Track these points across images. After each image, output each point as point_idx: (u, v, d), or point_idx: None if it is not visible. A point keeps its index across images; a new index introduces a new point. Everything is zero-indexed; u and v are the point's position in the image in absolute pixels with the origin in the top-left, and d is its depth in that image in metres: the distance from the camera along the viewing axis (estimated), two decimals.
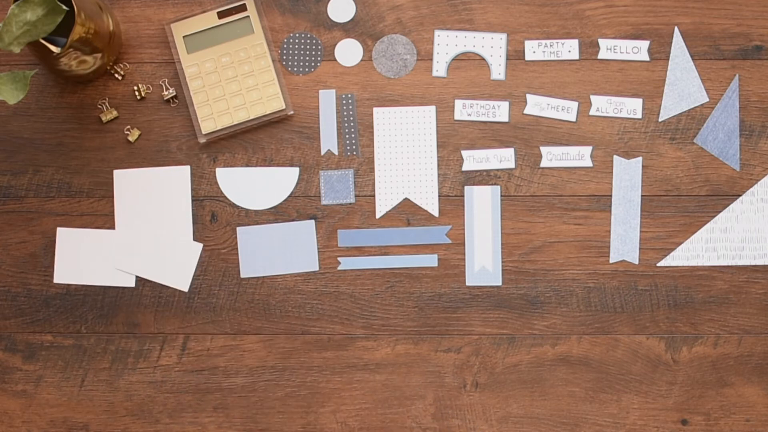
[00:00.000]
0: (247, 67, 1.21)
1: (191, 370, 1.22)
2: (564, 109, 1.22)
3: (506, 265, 1.22)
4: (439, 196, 1.22)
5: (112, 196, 1.23)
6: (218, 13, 1.21)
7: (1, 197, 1.23)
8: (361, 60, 1.23)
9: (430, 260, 1.22)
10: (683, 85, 1.22)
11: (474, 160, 1.22)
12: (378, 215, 1.22)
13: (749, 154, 1.22)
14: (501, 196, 1.22)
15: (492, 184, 1.22)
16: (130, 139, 1.22)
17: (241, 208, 1.23)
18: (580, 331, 1.22)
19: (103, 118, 1.22)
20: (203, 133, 1.22)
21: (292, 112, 1.22)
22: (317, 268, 1.22)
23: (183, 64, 1.21)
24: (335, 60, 1.23)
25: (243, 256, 1.22)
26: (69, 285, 1.22)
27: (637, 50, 1.22)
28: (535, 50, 1.22)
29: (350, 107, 1.22)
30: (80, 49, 1.12)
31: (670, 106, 1.22)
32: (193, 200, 1.23)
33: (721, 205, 1.22)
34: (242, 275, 1.22)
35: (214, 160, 1.23)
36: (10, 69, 1.23)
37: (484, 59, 1.23)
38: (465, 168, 1.22)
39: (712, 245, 1.22)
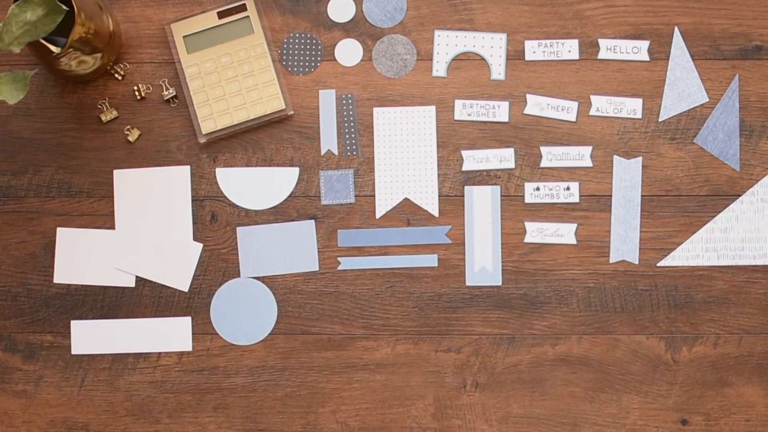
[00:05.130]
0: (247, 67, 1.21)
1: (191, 370, 1.22)
2: (564, 109, 1.22)
3: (506, 265, 1.22)
4: (439, 196, 1.22)
5: (112, 196, 1.23)
6: (218, 13, 1.21)
7: (1, 197, 1.23)
8: (361, 60, 1.23)
9: (430, 260, 1.22)
10: (683, 85, 1.22)
11: (474, 160, 1.22)
12: (378, 215, 1.22)
13: (749, 154, 1.22)
14: (501, 196, 1.22)
15: (492, 184, 1.22)
16: (130, 139, 1.23)
17: (241, 208, 1.23)
18: (580, 331, 1.22)
19: (103, 118, 1.23)
20: (203, 133, 1.22)
21: (292, 112, 1.22)
22: (317, 268, 1.22)
23: (183, 64, 1.21)
24: (335, 60, 1.23)
25: (243, 256, 1.22)
26: (69, 285, 1.22)
27: (637, 50, 1.22)
28: (535, 50, 1.22)
29: (350, 107, 1.23)
30: (80, 49, 1.12)
31: (670, 106, 1.22)
32: (193, 200, 1.23)
33: (721, 205, 1.22)
34: (242, 275, 1.22)
35: (214, 160, 1.23)
36: (10, 69, 1.23)
37: (484, 59, 1.23)
38: (465, 168, 1.22)
39: (712, 245, 1.22)
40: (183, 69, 1.21)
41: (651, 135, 1.22)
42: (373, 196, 1.22)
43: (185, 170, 1.23)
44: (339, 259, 1.22)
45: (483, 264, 1.22)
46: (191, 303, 1.22)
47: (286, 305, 1.22)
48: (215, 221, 1.23)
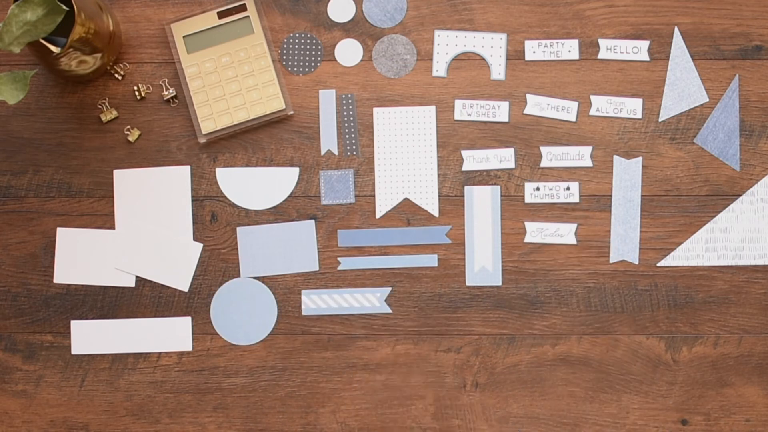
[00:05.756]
0: (247, 67, 1.22)
1: (191, 370, 1.22)
2: (564, 109, 1.22)
3: (506, 265, 1.22)
4: (439, 196, 1.22)
5: (112, 196, 1.23)
6: (218, 13, 1.21)
7: (1, 197, 1.23)
8: (361, 60, 1.23)
9: (430, 260, 1.22)
10: (683, 85, 1.22)
11: (474, 160, 1.22)
12: (378, 215, 1.22)
13: (749, 154, 1.22)
14: (501, 196, 1.22)
15: (492, 184, 1.22)
16: (130, 139, 1.23)
17: (241, 208, 1.23)
18: (580, 331, 1.22)
19: (103, 118, 1.23)
20: (203, 133, 1.22)
21: (292, 112, 1.22)
22: (317, 268, 1.22)
23: (183, 64, 1.21)
24: (335, 60, 1.23)
25: (243, 256, 1.22)
26: (69, 285, 1.22)
27: (637, 50, 1.22)
28: (535, 50, 1.22)
29: (350, 107, 1.23)
30: (80, 49, 1.12)
31: (670, 106, 1.22)
32: (193, 200, 1.23)
33: (721, 205, 1.22)
34: (242, 275, 1.22)
35: (214, 160, 1.23)
36: (10, 69, 1.23)
37: (484, 59, 1.23)
38: (465, 168, 1.22)
39: (712, 245, 1.22)
40: (183, 69, 1.22)
41: (651, 135, 1.22)
42: (373, 196, 1.22)
43: (185, 170, 1.23)
44: (339, 259, 1.22)
45: (483, 264, 1.22)
46: (191, 303, 1.22)
47: (286, 305, 1.22)
48: (215, 221, 1.23)
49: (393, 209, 1.22)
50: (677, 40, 1.22)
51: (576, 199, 1.22)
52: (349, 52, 1.23)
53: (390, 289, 1.21)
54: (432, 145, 1.22)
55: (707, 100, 1.22)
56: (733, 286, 1.22)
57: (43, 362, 1.22)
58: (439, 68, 1.23)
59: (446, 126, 1.22)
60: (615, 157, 1.22)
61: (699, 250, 1.22)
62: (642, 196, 1.22)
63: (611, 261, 1.22)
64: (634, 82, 1.22)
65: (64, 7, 1.05)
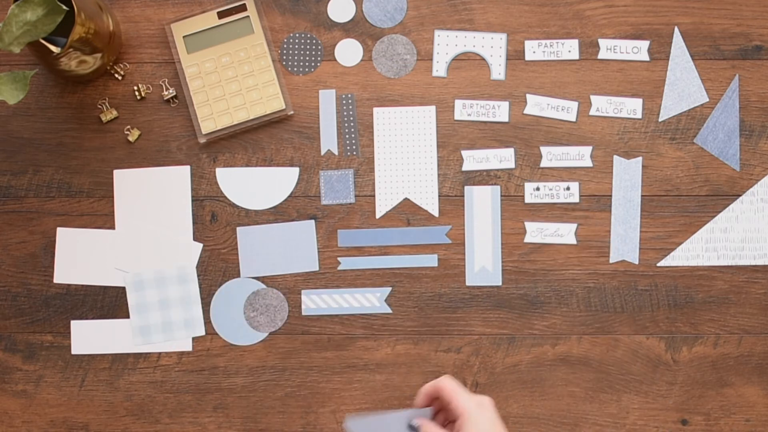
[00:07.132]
0: (247, 67, 1.22)
1: (191, 370, 1.22)
2: (564, 109, 1.22)
3: (506, 265, 1.22)
4: (439, 196, 1.22)
5: (112, 196, 1.23)
6: (218, 13, 1.21)
7: (1, 197, 1.23)
8: (361, 60, 1.23)
9: (430, 260, 1.22)
10: (683, 85, 1.22)
11: (474, 160, 1.22)
12: (378, 215, 1.22)
13: (749, 154, 1.22)
14: (501, 196, 1.22)
15: (492, 184, 1.22)
16: (130, 139, 1.23)
17: (241, 208, 1.23)
18: (580, 331, 1.22)
19: (103, 118, 1.23)
20: (203, 133, 1.22)
21: (292, 112, 1.22)
22: (317, 268, 1.22)
23: (183, 64, 1.22)
24: (335, 60, 1.23)
25: (243, 256, 1.22)
26: (69, 285, 1.22)
27: (637, 50, 1.22)
28: (535, 50, 1.22)
29: (350, 107, 1.23)
30: (80, 49, 1.12)
31: (670, 106, 1.22)
32: (193, 200, 1.23)
33: (721, 205, 1.22)
34: (242, 275, 1.22)
35: (214, 160, 1.23)
36: (10, 69, 1.23)
37: (484, 59, 1.23)
38: (465, 168, 1.22)
39: (712, 245, 1.22)
40: (183, 69, 1.22)
41: (651, 135, 1.22)
42: (373, 196, 1.23)
43: (185, 170, 1.23)
44: (339, 259, 1.22)
45: (483, 264, 1.22)
46: None
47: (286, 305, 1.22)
48: (215, 221, 1.23)
49: (393, 209, 1.22)
50: (677, 40, 1.22)
51: (576, 199, 1.22)
52: (349, 52, 1.23)
53: (390, 289, 1.21)
54: (432, 145, 1.22)
55: (707, 100, 1.22)
56: (733, 286, 1.22)
57: (43, 362, 1.22)
58: (439, 68, 1.23)
59: (446, 126, 1.23)
60: (615, 157, 1.22)
61: (699, 250, 1.22)
62: (642, 196, 1.22)
63: (611, 261, 1.22)
64: (634, 82, 1.22)
65: (64, 7, 1.05)
